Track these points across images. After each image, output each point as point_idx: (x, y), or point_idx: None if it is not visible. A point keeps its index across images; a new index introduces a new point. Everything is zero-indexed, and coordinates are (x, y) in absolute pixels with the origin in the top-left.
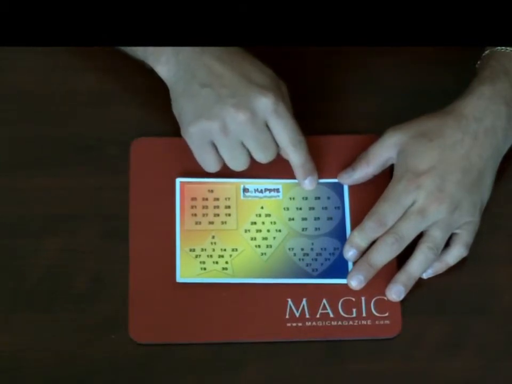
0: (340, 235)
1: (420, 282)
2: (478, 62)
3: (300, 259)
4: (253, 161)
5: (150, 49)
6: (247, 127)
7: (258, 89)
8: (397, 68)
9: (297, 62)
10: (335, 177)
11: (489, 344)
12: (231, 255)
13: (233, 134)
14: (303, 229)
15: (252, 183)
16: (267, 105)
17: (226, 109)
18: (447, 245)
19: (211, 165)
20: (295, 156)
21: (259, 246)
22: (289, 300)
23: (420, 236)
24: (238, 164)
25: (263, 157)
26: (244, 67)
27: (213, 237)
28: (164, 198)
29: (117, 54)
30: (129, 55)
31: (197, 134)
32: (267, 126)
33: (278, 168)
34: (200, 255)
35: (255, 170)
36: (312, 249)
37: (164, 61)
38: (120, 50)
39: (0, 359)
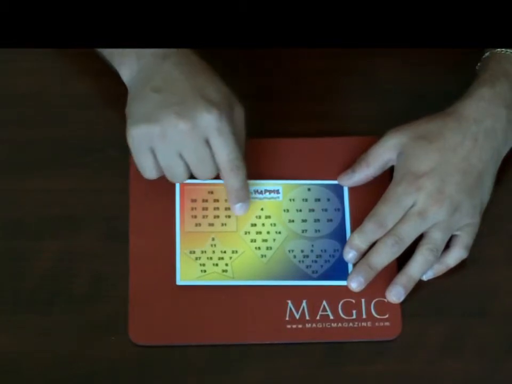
0: (339, 237)
1: (419, 284)
2: (478, 64)
3: (299, 261)
4: (252, 161)
5: (116, 51)
6: (185, 137)
7: (206, 104)
8: (397, 70)
9: (297, 63)
10: (335, 179)
11: (489, 345)
12: (231, 257)
13: (172, 142)
14: (303, 231)
15: (252, 184)
16: (210, 121)
17: (169, 115)
18: (447, 246)
19: (148, 171)
20: (230, 180)
21: (259, 248)
22: (289, 301)
23: (420, 238)
24: (174, 174)
25: (200, 173)
26: (200, 80)
27: (213, 239)
28: (163, 199)
29: None
30: (98, 55)
31: (138, 137)
32: (208, 144)
33: (278, 168)
34: (200, 257)
35: (255, 170)
36: (312, 251)
37: (127, 65)
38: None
39: (0, 360)
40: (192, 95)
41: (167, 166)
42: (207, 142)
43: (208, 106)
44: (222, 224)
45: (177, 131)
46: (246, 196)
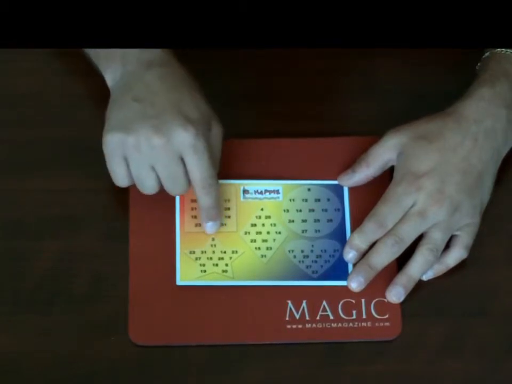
0: (339, 237)
1: (419, 284)
2: (478, 64)
3: (300, 261)
4: (252, 161)
5: (102, 56)
6: (159, 152)
7: (182, 121)
8: (397, 70)
9: (297, 63)
10: (335, 179)
11: (489, 345)
12: (231, 258)
13: (145, 155)
14: (303, 231)
15: (252, 184)
16: (185, 139)
17: (145, 127)
18: (447, 246)
19: (120, 178)
20: (202, 198)
21: (259, 248)
22: (289, 301)
23: (420, 238)
24: (144, 185)
25: (170, 188)
26: (181, 95)
27: (213, 239)
28: (164, 200)
29: None
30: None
31: (112, 144)
32: (183, 160)
33: (278, 168)
34: (200, 258)
35: (255, 170)
36: (312, 251)
37: (111, 70)
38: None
39: (0, 360)
40: (171, 110)
41: (138, 176)
42: (181, 159)
43: (185, 124)
44: (222, 224)
45: (151, 145)
46: (217, 215)
